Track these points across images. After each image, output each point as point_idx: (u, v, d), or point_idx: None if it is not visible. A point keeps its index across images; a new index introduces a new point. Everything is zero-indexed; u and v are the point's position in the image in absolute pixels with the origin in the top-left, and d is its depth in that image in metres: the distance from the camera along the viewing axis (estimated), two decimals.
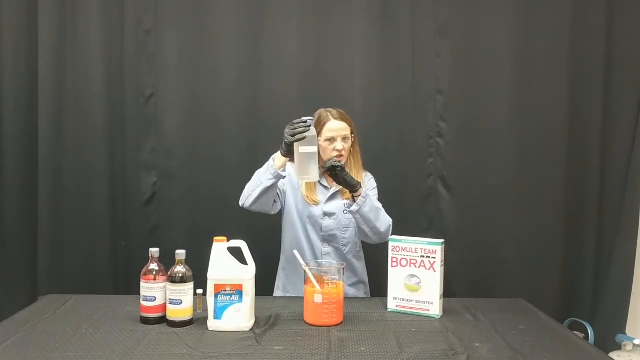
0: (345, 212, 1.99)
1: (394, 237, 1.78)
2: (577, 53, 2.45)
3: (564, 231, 2.48)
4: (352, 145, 2.02)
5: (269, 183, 1.86)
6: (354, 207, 1.89)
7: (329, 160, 1.87)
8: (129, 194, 2.47)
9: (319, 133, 1.98)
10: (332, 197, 2.03)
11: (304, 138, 1.74)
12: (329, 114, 1.99)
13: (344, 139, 1.97)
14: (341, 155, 1.96)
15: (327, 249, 2.02)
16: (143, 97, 2.46)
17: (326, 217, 2.02)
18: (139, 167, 2.47)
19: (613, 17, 2.44)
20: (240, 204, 1.93)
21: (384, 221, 1.94)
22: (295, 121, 1.77)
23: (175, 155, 2.47)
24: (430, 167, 2.49)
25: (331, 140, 1.96)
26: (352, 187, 1.88)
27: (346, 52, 2.46)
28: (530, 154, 2.46)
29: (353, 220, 1.99)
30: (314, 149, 1.76)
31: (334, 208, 2.02)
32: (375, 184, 2.09)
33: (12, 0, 2.42)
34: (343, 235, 2.03)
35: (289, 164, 1.90)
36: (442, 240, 1.74)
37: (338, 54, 2.46)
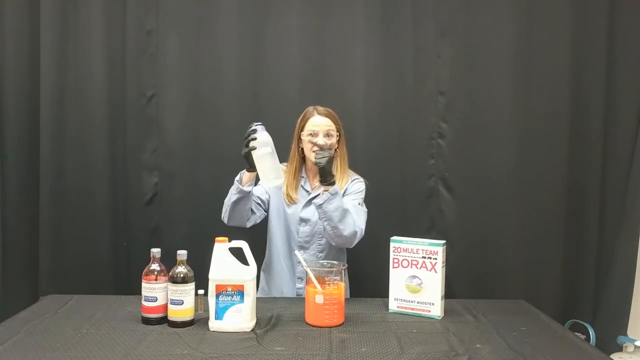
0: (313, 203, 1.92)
1: (395, 237, 1.77)
2: (579, 54, 2.44)
3: (565, 232, 2.47)
4: (339, 146, 2.00)
5: (234, 198, 1.91)
6: (318, 200, 1.87)
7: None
8: (130, 195, 2.47)
9: (302, 128, 1.98)
10: (309, 202, 2.00)
11: (254, 148, 1.78)
12: (314, 110, 1.99)
13: (327, 134, 1.95)
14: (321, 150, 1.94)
15: (303, 255, 1.98)
16: (144, 98, 2.46)
17: (302, 222, 2.00)
18: (140, 168, 2.47)
19: (614, 16, 2.43)
20: (222, 218, 1.98)
21: (349, 225, 1.88)
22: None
23: (176, 155, 2.47)
24: (431, 168, 2.48)
25: (313, 134, 1.95)
26: (325, 179, 1.85)
27: (347, 52, 2.45)
28: (531, 155, 2.45)
29: None
30: (267, 149, 1.78)
31: (309, 214, 1.99)
32: (361, 188, 2.03)
33: (14, 1, 2.43)
34: (319, 242, 2.00)
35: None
36: (443, 241, 1.73)
37: (339, 54, 2.45)
